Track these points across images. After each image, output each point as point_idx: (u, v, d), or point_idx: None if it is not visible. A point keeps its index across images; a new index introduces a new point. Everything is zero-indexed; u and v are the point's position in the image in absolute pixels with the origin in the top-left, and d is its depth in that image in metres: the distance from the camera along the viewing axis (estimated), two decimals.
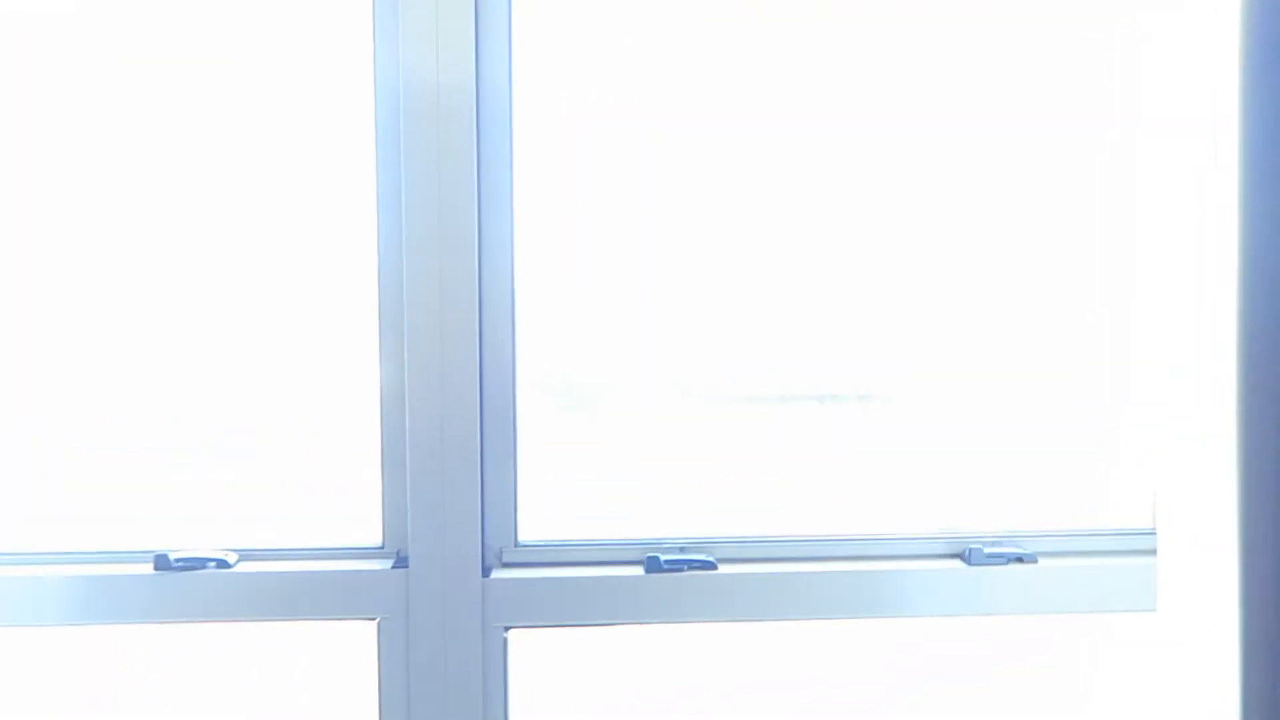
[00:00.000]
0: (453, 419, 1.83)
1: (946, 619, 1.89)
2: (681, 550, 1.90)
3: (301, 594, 1.85)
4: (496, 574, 1.88)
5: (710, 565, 1.87)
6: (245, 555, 1.87)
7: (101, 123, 1.91)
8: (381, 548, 1.89)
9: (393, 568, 1.85)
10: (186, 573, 1.83)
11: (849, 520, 1.98)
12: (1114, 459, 2.05)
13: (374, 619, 1.86)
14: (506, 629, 1.87)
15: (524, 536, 1.92)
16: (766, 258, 1.97)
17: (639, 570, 1.87)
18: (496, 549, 1.89)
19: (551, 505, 1.97)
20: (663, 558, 1.86)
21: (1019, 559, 1.89)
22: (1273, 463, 1.53)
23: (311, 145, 1.93)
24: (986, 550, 1.88)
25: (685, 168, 1.96)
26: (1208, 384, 1.59)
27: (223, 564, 1.84)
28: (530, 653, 1.90)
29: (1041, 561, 1.89)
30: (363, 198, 1.87)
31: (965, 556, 1.89)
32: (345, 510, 1.95)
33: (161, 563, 1.83)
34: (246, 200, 1.93)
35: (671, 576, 1.86)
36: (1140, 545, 1.90)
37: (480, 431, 1.85)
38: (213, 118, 1.91)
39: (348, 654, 1.90)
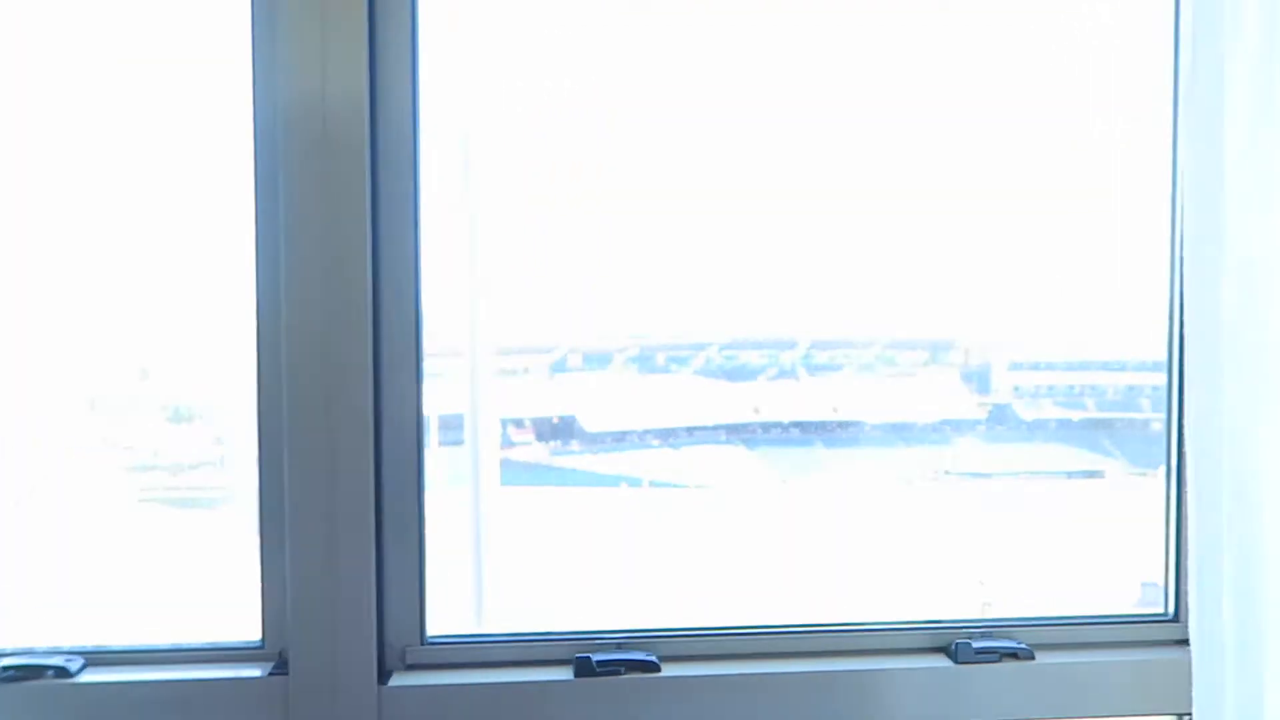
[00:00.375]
0: (342, 485, 1.48)
1: None
2: (619, 646, 1.55)
3: (159, 708, 1.46)
4: (397, 679, 1.52)
5: (653, 665, 1.53)
6: (92, 659, 1.51)
7: None
8: (260, 646, 1.53)
9: (270, 674, 1.49)
10: (17, 684, 1.47)
11: (815, 603, 1.67)
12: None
13: None
14: None
15: (433, 630, 1.58)
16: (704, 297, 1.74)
17: (568, 672, 1.53)
18: (398, 648, 1.54)
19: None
20: (595, 657, 1.53)
21: (1013, 653, 1.57)
22: None
23: (184, 166, 1.62)
24: (976, 645, 1.56)
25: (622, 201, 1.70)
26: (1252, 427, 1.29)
27: (62, 672, 1.47)
28: None
29: (1040, 656, 1.57)
30: (239, 225, 1.54)
31: (951, 651, 1.57)
32: (218, 598, 1.61)
33: None
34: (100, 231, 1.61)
35: (606, 681, 1.51)
36: (1159, 635, 1.60)
37: (377, 500, 1.51)
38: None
39: None
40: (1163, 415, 1.68)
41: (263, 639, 1.52)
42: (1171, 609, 1.61)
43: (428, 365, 1.53)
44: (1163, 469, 1.72)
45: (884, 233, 1.78)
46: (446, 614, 1.59)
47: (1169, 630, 1.59)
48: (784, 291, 1.78)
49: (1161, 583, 1.63)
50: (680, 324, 1.80)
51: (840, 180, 1.74)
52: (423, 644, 1.54)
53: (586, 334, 1.76)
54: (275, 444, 1.49)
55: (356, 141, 1.46)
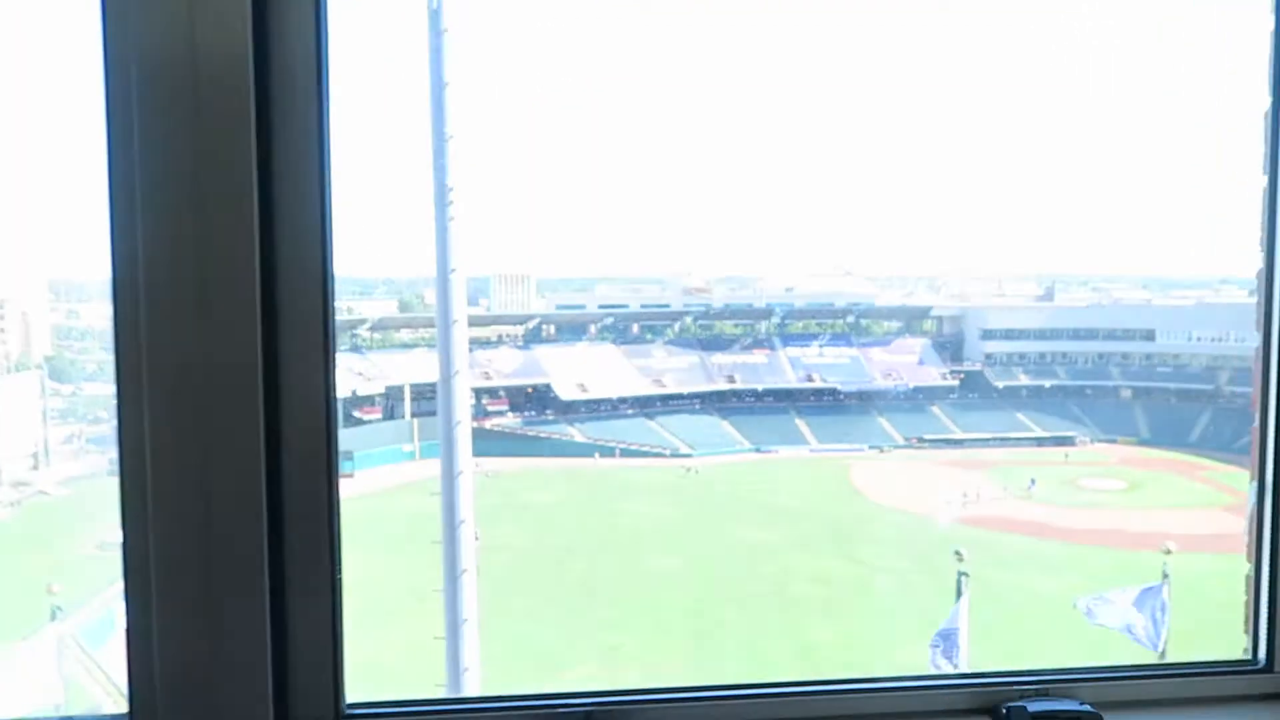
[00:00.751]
0: (224, 505, 1.09)
1: None
2: (586, 716, 1.20)
3: None
4: None
5: None
6: None
7: None
8: None
9: None
10: None
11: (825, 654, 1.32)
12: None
13: None
14: None
15: (354, 696, 1.20)
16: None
17: None
18: None
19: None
20: None
21: (1076, 716, 1.23)
22: None
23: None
24: (1031, 708, 1.22)
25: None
26: None
27: None
28: None
29: (1109, 718, 1.23)
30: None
31: (1002, 715, 1.22)
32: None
33: None
34: None
35: None
36: (1249, 688, 1.26)
37: (274, 525, 1.12)
38: None
39: None
40: (1131, 385, 1.36)
41: (130, 711, 1.14)
42: (1263, 656, 1.27)
43: (400, 335, 1.14)
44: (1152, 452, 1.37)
45: (861, 204, 1.43)
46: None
47: (1261, 683, 1.25)
48: (757, 260, 1.43)
49: (1250, 627, 1.30)
50: (655, 293, 1.46)
51: (821, 154, 1.39)
52: (339, 716, 1.17)
53: (561, 303, 1.41)
54: (137, 453, 1.10)
55: (237, 96, 1.06)
